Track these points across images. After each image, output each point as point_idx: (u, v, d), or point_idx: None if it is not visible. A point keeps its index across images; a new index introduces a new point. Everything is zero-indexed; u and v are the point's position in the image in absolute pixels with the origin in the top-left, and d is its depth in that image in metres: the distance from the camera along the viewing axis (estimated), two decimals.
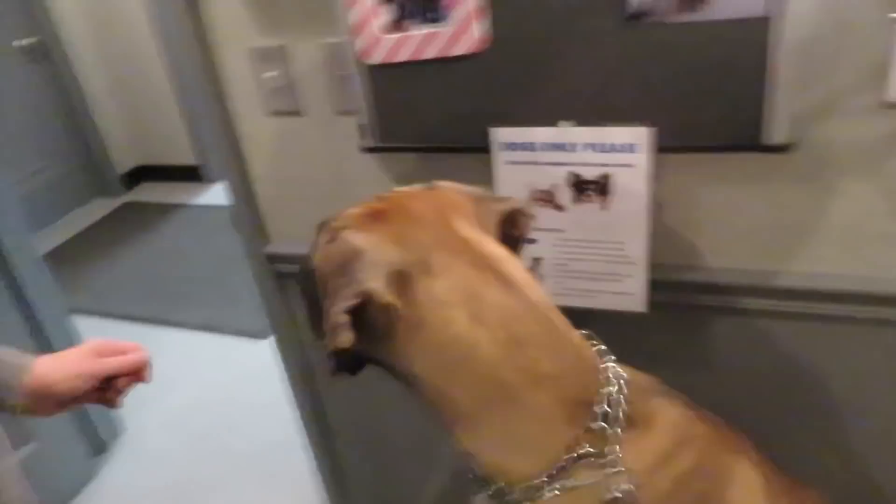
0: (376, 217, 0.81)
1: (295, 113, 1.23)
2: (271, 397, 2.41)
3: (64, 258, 3.78)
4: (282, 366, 1.68)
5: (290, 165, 1.31)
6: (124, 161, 4.74)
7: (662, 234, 1.07)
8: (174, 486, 2.19)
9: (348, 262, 0.76)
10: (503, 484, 0.78)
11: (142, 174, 4.85)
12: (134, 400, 2.52)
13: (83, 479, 2.25)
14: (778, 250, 1.04)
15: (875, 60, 0.85)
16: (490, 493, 0.80)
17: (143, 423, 2.47)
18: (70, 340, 2.25)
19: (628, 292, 1.10)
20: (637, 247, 1.06)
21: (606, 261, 1.09)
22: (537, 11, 0.96)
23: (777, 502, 0.87)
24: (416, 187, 0.87)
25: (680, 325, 1.14)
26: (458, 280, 0.76)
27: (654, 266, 1.07)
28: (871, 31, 0.85)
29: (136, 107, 4.62)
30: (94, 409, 2.31)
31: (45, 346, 2.14)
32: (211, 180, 4.64)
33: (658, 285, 1.08)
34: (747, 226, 1.03)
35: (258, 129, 1.29)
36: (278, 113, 1.25)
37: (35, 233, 2.32)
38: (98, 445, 2.35)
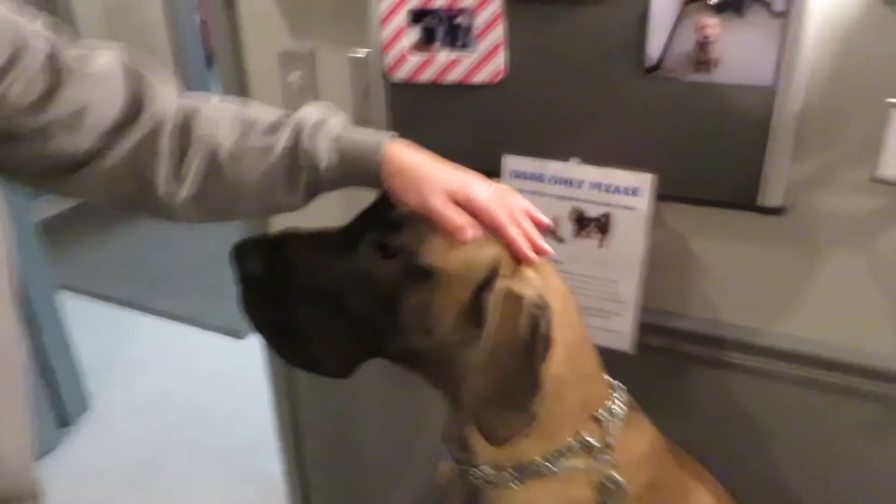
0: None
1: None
2: (242, 398, 2.42)
3: (53, 231, 3.77)
4: (262, 366, 1.69)
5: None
6: None
7: (655, 279, 1.11)
8: (135, 470, 2.17)
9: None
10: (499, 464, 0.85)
11: None
12: (104, 379, 2.53)
13: (44, 448, 2.23)
14: (763, 309, 1.08)
15: (869, 139, 0.90)
16: (482, 471, 0.86)
17: (112, 403, 2.46)
18: (56, 316, 2.25)
19: (617, 331, 1.13)
20: (629, 287, 1.10)
21: (599, 297, 1.13)
22: (559, 50, 1.01)
23: None
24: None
25: (663, 370, 1.17)
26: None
27: (645, 309, 1.11)
28: (868, 112, 0.89)
29: None
30: (64, 381, 2.30)
31: (31, 318, 2.14)
32: None
33: (646, 328, 1.11)
34: (737, 282, 1.08)
35: None
36: None
37: (30, 200, 2.33)
38: (63, 418, 2.34)
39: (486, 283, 0.77)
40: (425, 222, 0.77)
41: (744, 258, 1.05)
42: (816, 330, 1.05)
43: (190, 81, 4.28)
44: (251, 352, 1.94)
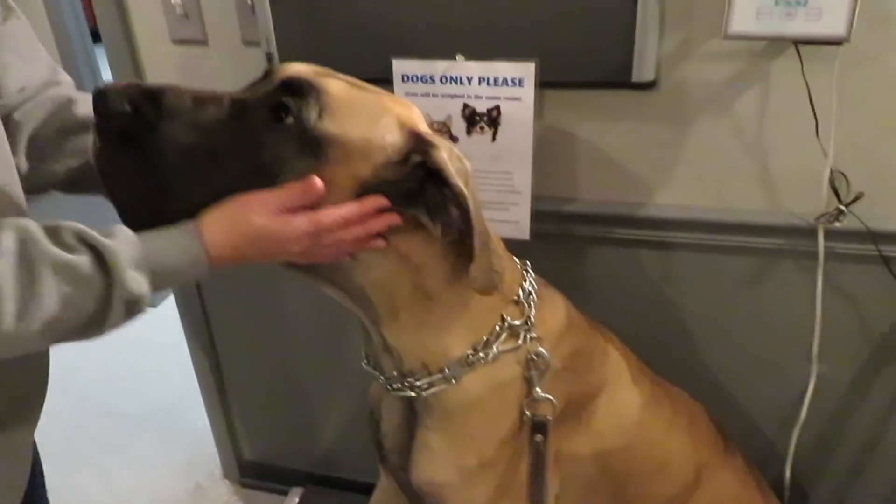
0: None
1: (201, 42, 1.26)
2: (160, 363, 2.37)
3: None
4: (178, 329, 1.68)
5: None
6: None
7: (546, 167, 1.17)
8: (56, 448, 2.11)
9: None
10: (433, 367, 0.89)
11: None
12: None
13: None
14: (645, 183, 1.17)
15: (722, 6, 0.97)
16: (417, 382, 0.89)
17: None
18: None
19: (515, 220, 1.20)
20: (523, 177, 1.16)
21: (496, 190, 1.18)
22: None
23: (640, 383, 1.03)
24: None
25: (560, 253, 1.25)
26: None
27: (538, 197, 1.18)
28: None
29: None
30: None
31: None
32: None
33: (541, 216, 1.18)
34: (619, 160, 1.16)
35: (163, 59, 1.30)
36: (184, 41, 1.27)
37: None
38: None
39: (404, 158, 0.78)
40: (328, 93, 0.75)
41: (622, 136, 1.13)
42: (693, 196, 1.15)
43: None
44: (165, 318, 1.90)
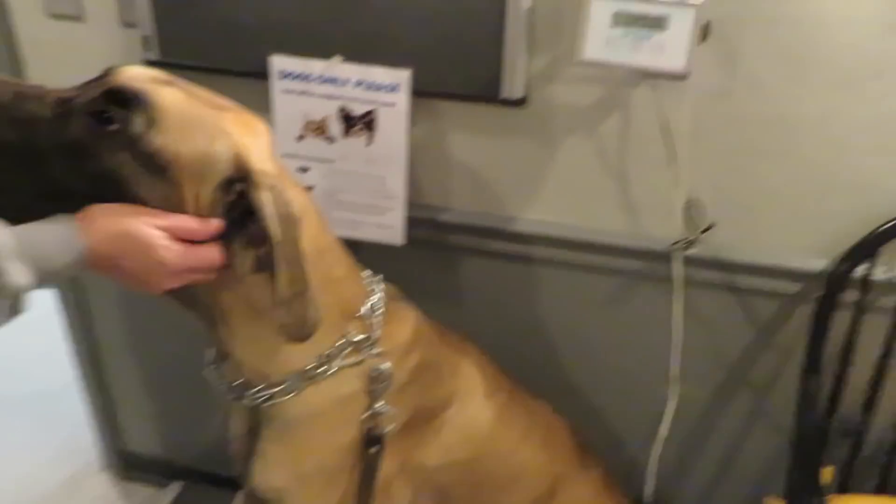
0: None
1: (77, 18, 1.21)
2: (41, 346, 2.28)
3: None
4: (60, 312, 1.62)
5: (72, 76, 1.27)
6: None
7: (420, 175, 1.18)
8: None
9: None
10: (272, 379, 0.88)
11: None
12: None
13: None
14: (514, 197, 1.18)
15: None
16: (257, 393, 0.89)
17: None
18: None
19: (388, 225, 1.20)
20: (396, 182, 1.16)
21: (370, 194, 1.18)
22: None
23: (495, 396, 1.04)
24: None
25: (433, 261, 1.26)
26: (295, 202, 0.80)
27: (413, 204, 1.18)
28: (576, 5, 0.97)
29: None
30: None
31: None
32: None
33: (415, 222, 1.19)
34: (490, 173, 1.17)
35: (39, 33, 1.25)
36: (59, 16, 1.22)
37: None
38: None
39: (229, 182, 0.76)
40: (157, 105, 0.73)
41: (494, 150, 1.15)
42: (559, 213, 1.17)
43: None
44: (46, 300, 1.83)
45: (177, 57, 1.16)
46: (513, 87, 1.06)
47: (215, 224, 0.76)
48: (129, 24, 1.18)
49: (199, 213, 0.76)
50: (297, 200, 0.81)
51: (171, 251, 0.73)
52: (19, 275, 0.64)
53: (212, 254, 0.76)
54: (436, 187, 1.20)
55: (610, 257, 1.16)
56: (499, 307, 1.27)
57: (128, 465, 1.86)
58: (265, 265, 0.77)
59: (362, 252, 1.23)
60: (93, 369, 1.70)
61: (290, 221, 0.76)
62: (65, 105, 0.72)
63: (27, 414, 2.08)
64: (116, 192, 0.72)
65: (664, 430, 1.26)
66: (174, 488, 1.80)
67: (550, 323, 1.28)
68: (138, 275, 0.74)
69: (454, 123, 1.14)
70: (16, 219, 0.68)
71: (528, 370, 1.20)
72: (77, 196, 0.72)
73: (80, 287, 1.56)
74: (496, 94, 1.07)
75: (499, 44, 1.02)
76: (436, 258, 1.25)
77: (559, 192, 1.15)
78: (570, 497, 1.16)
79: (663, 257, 1.12)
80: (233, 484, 1.76)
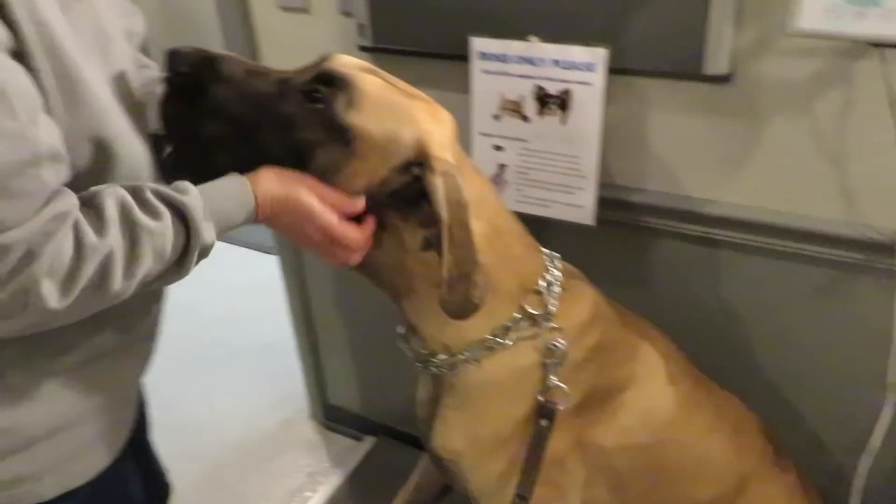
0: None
1: (303, 10, 1.35)
2: (271, 304, 2.57)
3: None
4: (282, 276, 1.83)
5: (299, 61, 1.42)
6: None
7: (614, 155, 1.16)
8: (172, 364, 2.35)
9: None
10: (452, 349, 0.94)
11: None
12: None
13: None
14: (714, 179, 1.12)
15: None
16: (440, 362, 0.95)
17: None
18: None
19: (579, 205, 1.20)
20: (590, 162, 1.16)
21: (562, 173, 1.19)
22: None
23: (679, 383, 1.01)
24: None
25: (623, 243, 1.24)
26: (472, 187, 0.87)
27: (605, 185, 1.17)
28: None
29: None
30: None
31: None
32: None
33: (607, 203, 1.18)
34: (689, 153, 1.12)
35: (272, 24, 1.41)
36: (289, 9, 1.36)
37: None
38: None
39: (408, 165, 0.83)
40: (359, 88, 0.81)
41: (694, 130, 1.10)
42: (765, 198, 1.09)
43: None
44: (272, 264, 2.07)
45: (387, 42, 1.25)
46: (717, 62, 1.00)
47: (361, 204, 0.83)
48: (347, 14, 1.30)
49: (369, 186, 0.83)
50: (474, 186, 0.86)
51: (324, 217, 0.80)
52: (209, 232, 0.73)
53: (355, 233, 0.83)
54: (629, 167, 1.18)
55: (822, 247, 1.07)
56: (690, 294, 1.22)
57: (330, 416, 2.05)
58: (434, 245, 0.83)
59: (551, 230, 1.25)
60: (306, 328, 1.89)
61: (459, 207, 0.81)
62: (284, 84, 0.82)
63: (254, 363, 2.37)
64: (303, 159, 0.81)
65: (876, 441, 1.14)
66: (369, 442, 1.96)
67: (747, 314, 1.20)
68: (295, 232, 0.82)
69: (652, 102, 1.11)
70: (200, 176, 0.78)
71: (718, 362, 1.15)
72: (267, 160, 0.80)
73: (297, 254, 1.75)
74: (699, 70, 1.02)
75: (703, 15, 0.98)
76: (625, 240, 1.23)
77: (765, 175, 1.08)
78: (758, 497, 1.09)
79: (885, 249, 1.01)
80: (420, 444, 1.89)
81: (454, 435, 0.99)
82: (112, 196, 0.68)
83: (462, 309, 0.84)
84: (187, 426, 2.10)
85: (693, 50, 1.01)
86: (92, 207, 0.68)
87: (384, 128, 0.82)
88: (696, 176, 1.14)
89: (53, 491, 0.80)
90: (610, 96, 1.09)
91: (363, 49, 1.26)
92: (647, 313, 1.09)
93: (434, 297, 0.89)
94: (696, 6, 0.98)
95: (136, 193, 0.70)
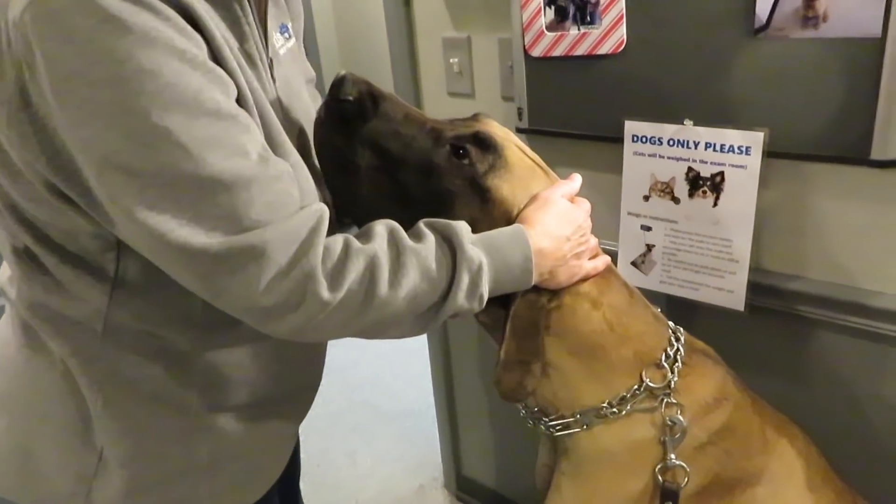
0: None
1: (469, 95, 1.46)
2: (418, 371, 2.66)
3: None
4: (427, 344, 1.91)
5: None
6: None
7: (769, 240, 1.13)
8: (321, 420, 2.49)
9: None
10: (562, 412, 0.95)
11: None
12: None
13: None
14: (883, 270, 1.06)
15: None
16: (551, 421, 0.96)
17: None
18: None
19: (729, 289, 1.17)
20: (742, 246, 1.13)
21: (712, 256, 1.18)
22: (673, 19, 1.10)
23: (820, 491, 0.93)
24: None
25: (775, 332, 1.18)
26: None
27: (757, 269, 1.14)
28: None
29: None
30: None
31: None
32: None
33: (758, 288, 1.14)
34: (853, 241, 1.07)
35: (440, 108, 1.54)
36: (456, 94, 1.49)
37: None
38: None
39: None
40: (505, 157, 0.87)
41: (859, 216, 1.05)
42: None
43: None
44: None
45: (542, 124, 1.32)
46: (887, 146, 0.97)
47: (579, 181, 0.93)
48: (508, 98, 1.39)
49: None
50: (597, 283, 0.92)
51: (578, 213, 0.89)
52: (474, 251, 0.76)
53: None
54: (785, 253, 1.14)
55: None
56: (848, 392, 1.13)
57: (463, 487, 2.06)
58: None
59: (700, 314, 1.22)
60: (446, 397, 1.94)
61: (532, 307, 0.87)
62: (436, 133, 0.87)
63: (397, 427, 2.45)
64: (442, 206, 0.85)
65: None
66: None
67: None
68: (558, 239, 0.85)
69: (812, 186, 1.08)
70: (355, 215, 0.85)
71: (872, 474, 1.05)
72: (407, 199, 0.86)
73: (442, 326, 1.82)
74: (866, 155, 0.98)
75: (872, 100, 0.95)
76: (778, 329, 1.17)
77: None
78: None
79: None
80: None
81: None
82: (381, 223, 0.76)
83: (514, 393, 0.90)
84: (328, 480, 2.21)
85: (860, 133, 0.98)
86: (362, 231, 0.76)
87: (518, 196, 0.88)
88: (862, 265, 1.07)
89: None
90: (766, 179, 1.08)
91: (521, 131, 1.34)
92: (795, 409, 1.02)
93: (578, 366, 0.92)
94: (864, 87, 0.95)
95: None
